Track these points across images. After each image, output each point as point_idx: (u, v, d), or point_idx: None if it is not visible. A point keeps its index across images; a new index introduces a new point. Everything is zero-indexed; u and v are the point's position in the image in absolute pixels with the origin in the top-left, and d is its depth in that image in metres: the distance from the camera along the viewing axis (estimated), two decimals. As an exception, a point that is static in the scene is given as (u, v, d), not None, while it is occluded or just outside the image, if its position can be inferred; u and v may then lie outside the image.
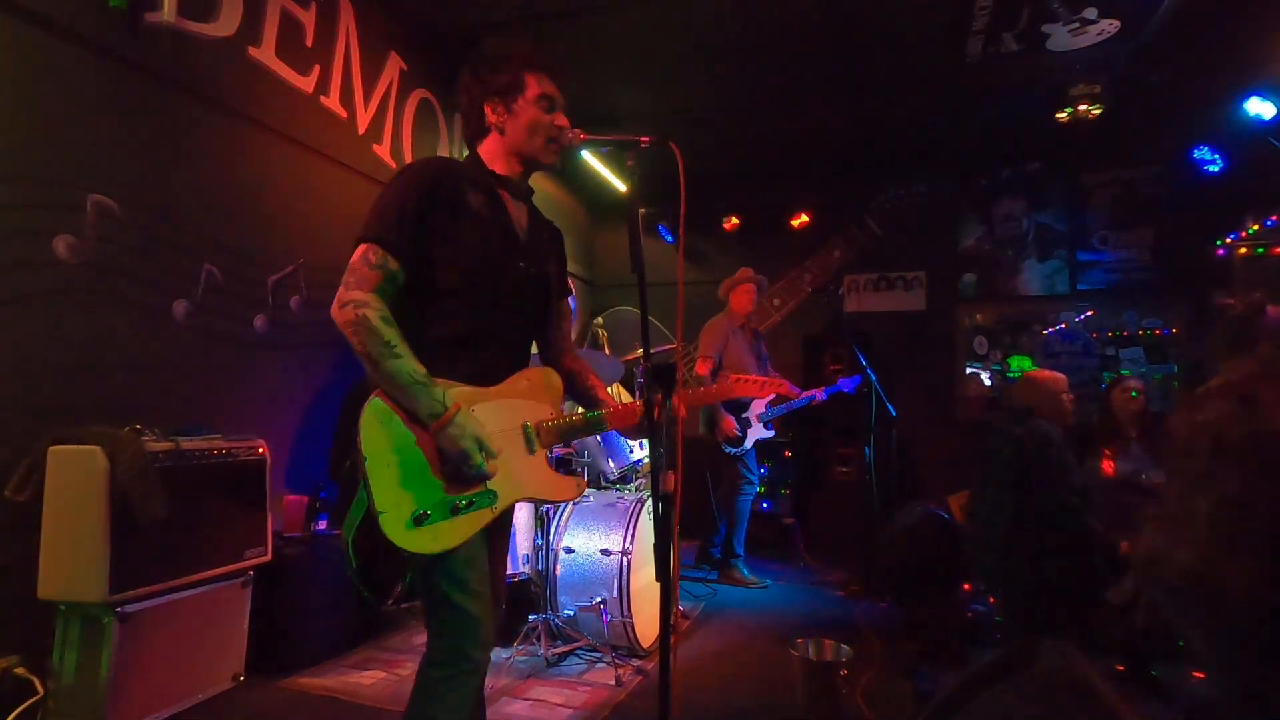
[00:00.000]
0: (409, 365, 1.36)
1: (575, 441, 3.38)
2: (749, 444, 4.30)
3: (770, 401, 4.32)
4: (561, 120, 1.60)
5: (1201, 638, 1.80)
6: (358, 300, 1.37)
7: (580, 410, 1.68)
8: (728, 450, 4.26)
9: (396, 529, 1.32)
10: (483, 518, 1.44)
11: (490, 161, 1.61)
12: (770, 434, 4.40)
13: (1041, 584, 2.75)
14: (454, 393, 1.42)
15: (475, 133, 1.63)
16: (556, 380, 1.67)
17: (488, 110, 1.58)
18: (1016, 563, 2.79)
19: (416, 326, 1.44)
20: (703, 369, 4.24)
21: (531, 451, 1.56)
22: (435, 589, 1.40)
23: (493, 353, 1.55)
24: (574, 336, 6.30)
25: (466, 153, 1.67)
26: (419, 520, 1.34)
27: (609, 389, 1.90)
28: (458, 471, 1.41)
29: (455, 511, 1.39)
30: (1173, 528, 1.83)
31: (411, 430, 1.39)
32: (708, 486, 4.43)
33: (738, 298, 4.46)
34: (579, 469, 3.47)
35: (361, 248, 1.42)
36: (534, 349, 1.76)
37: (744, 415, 4.27)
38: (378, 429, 1.36)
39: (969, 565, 3.05)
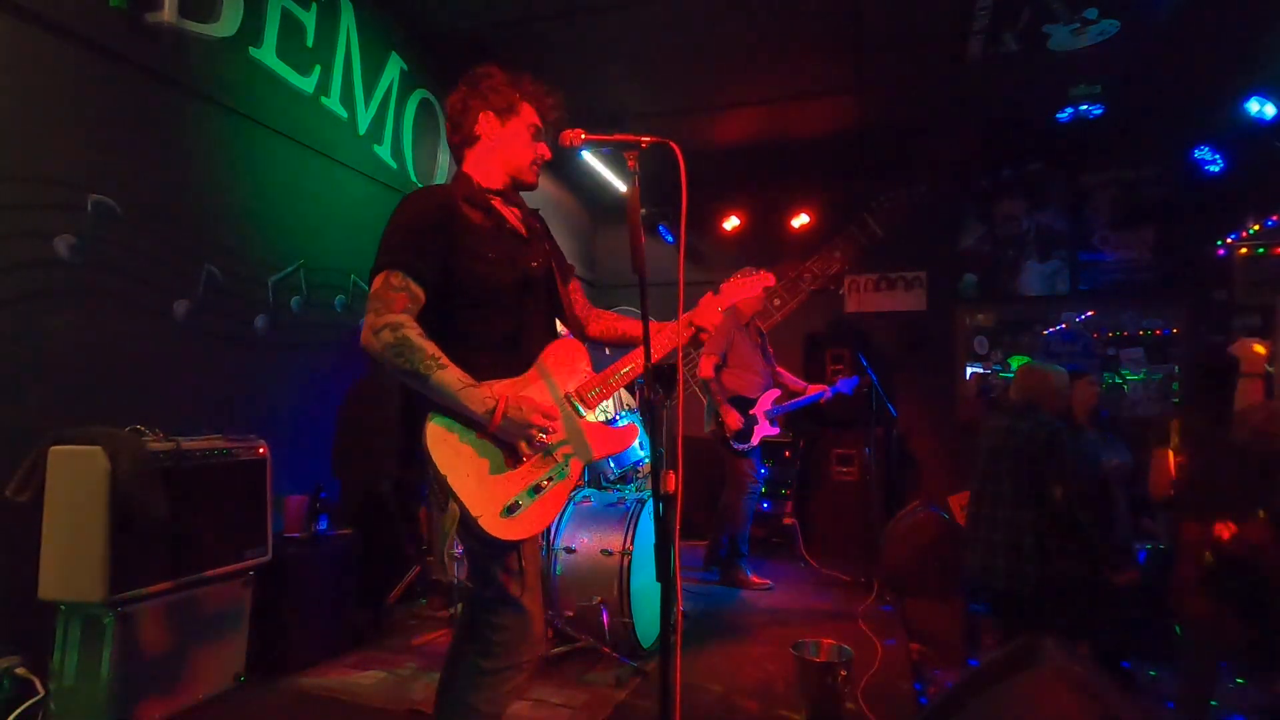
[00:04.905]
0: (455, 373, 1.42)
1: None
2: (756, 440, 4.28)
3: (776, 399, 4.31)
4: (544, 151, 1.73)
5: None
6: (393, 323, 1.40)
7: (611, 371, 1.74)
8: (736, 446, 4.21)
9: (495, 524, 1.42)
10: (565, 489, 1.55)
11: (479, 176, 1.68)
12: (776, 430, 4.37)
13: (1052, 581, 2.72)
14: (496, 387, 1.48)
15: (465, 139, 1.70)
16: (578, 345, 1.75)
17: (482, 119, 1.67)
18: (1029, 560, 2.75)
19: (445, 338, 1.49)
20: (707, 366, 4.19)
21: (581, 416, 1.65)
22: (498, 582, 1.49)
23: (519, 350, 1.62)
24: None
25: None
26: (511, 510, 1.44)
27: None
28: (529, 453, 1.50)
29: (538, 491, 1.49)
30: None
31: (475, 433, 1.47)
32: (716, 487, 4.36)
33: None
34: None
35: (382, 274, 1.45)
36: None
37: (750, 413, 4.24)
38: (445, 446, 1.44)
39: (968, 566, 3.00)
